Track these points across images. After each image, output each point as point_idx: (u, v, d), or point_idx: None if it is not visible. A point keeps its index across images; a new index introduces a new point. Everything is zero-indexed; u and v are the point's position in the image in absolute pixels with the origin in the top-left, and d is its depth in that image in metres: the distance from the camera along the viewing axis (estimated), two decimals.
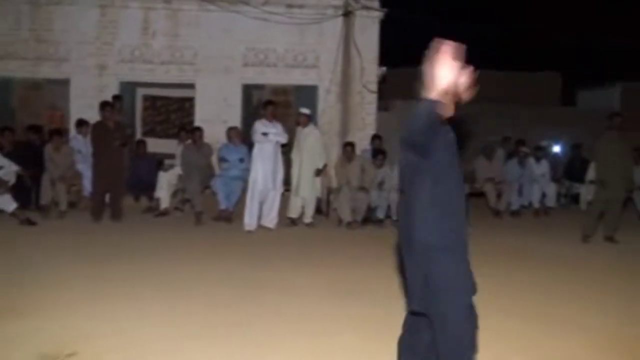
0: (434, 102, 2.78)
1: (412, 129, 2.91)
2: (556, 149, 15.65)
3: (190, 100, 12.54)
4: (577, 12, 22.69)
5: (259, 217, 9.49)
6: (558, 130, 15.36)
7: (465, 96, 2.96)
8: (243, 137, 10.67)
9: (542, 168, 12.40)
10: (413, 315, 3.27)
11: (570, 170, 12.99)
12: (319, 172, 10.08)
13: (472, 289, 3.13)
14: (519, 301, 5.79)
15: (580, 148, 13.11)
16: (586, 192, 11.93)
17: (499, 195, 11.63)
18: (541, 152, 12.75)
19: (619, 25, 17.85)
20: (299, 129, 9.92)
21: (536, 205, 12.08)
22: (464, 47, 2.78)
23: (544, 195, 12.17)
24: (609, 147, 9.00)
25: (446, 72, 2.76)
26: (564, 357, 4.38)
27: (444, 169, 3.03)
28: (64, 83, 11.94)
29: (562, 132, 15.29)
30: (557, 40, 18.47)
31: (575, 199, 12.94)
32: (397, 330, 3.41)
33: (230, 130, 10.51)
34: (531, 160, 12.36)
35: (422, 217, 3.02)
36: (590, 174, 11.07)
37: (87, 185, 10.35)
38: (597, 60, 22.29)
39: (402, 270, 3.04)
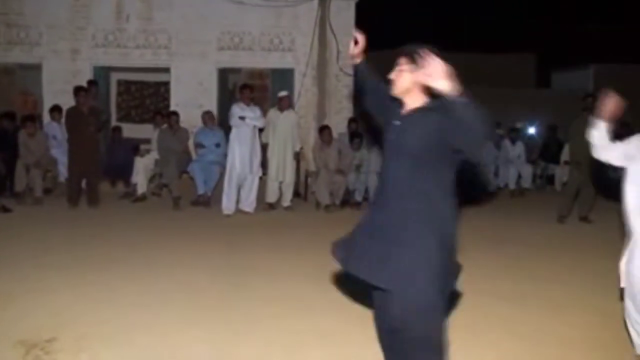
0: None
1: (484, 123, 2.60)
2: (531, 130, 15.82)
3: (166, 84, 12.45)
4: None
5: (237, 202, 9.48)
6: (533, 112, 15.52)
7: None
8: (220, 121, 10.62)
9: (517, 149, 12.54)
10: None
11: (546, 152, 13.14)
12: (297, 156, 10.09)
13: None
14: (497, 280, 5.90)
15: (555, 130, 13.26)
16: (561, 173, 12.10)
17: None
18: (516, 134, 12.89)
19: (592, 7, 18.01)
20: (274, 112, 9.89)
21: (512, 186, 12.23)
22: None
23: (519, 177, 12.32)
24: (582, 128, 9.06)
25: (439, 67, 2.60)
26: (541, 334, 4.48)
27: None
28: (36, 68, 11.77)
29: (537, 114, 15.46)
30: (531, 22, 18.60)
31: (551, 180, 13.10)
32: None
33: (205, 115, 10.47)
34: (506, 142, 12.50)
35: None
36: (565, 155, 11.22)
37: (62, 170, 10.26)
38: (571, 42, 22.47)
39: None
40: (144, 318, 4.57)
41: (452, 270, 2.95)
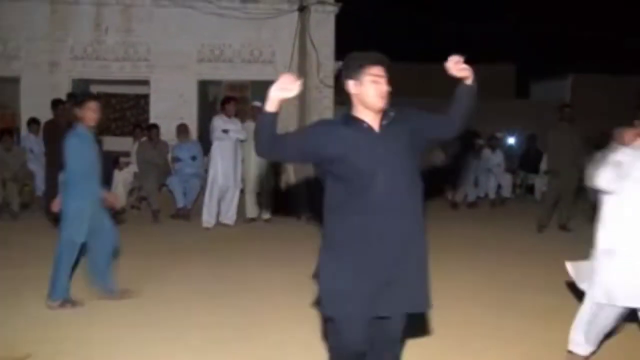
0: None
1: None
2: (511, 140, 15.92)
3: (146, 97, 12.38)
4: (529, 5, 23.11)
5: (218, 214, 9.42)
6: (512, 122, 15.63)
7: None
8: (200, 133, 10.57)
9: (497, 158, 12.59)
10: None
11: (525, 162, 13.22)
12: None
13: None
14: (480, 288, 5.91)
15: (535, 139, 13.35)
16: (540, 183, 12.18)
17: (455, 187, 11.78)
18: (495, 142, 12.95)
19: (570, 17, 18.24)
20: (250, 124, 9.82)
21: (492, 196, 12.28)
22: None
23: (499, 187, 12.37)
24: (560, 137, 9.21)
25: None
26: (525, 340, 4.49)
27: None
28: (14, 81, 11.67)
29: (516, 124, 15.56)
30: (511, 33, 18.79)
31: (530, 189, 13.18)
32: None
33: (180, 128, 10.43)
34: (486, 151, 12.55)
35: None
36: (544, 164, 11.30)
37: (39, 185, 10.14)
38: (548, 52, 22.73)
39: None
40: (121, 334, 4.51)
41: None
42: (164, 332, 4.58)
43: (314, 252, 7.71)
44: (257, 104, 9.88)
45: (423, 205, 2.99)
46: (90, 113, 5.19)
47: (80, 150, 5.14)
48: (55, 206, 5.24)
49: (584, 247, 7.94)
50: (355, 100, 2.96)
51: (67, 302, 5.10)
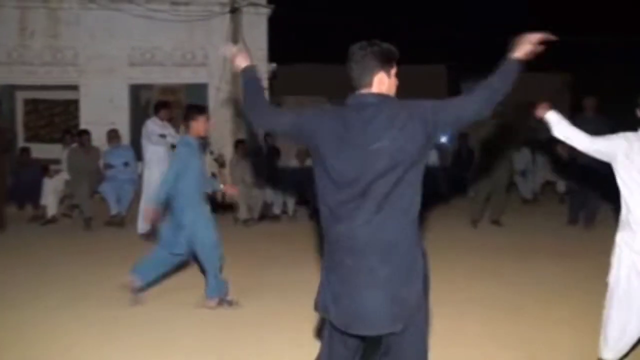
0: None
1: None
2: (442, 139, 16.16)
3: (75, 102, 12.08)
4: (458, 5, 23.64)
5: None
6: None
7: None
8: (132, 138, 10.39)
9: (431, 157, 12.80)
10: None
11: (458, 159, 13.48)
12: (221, 157, 10.07)
13: None
14: None
15: (466, 137, 13.62)
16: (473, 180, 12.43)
17: None
18: None
19: (497, 19, 18.70)
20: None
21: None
22: None
23: (435, 184, 12.57)
24: (490, 135, 9.46)
25: None
26: (466, 330, 4.58)
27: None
28: None
29: None
30: (441, 34, 19.11)
31: (464, 186, 13.43)
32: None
33: (110, 133, 10.24)
34: None
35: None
36: (476, 161, 11.55)
37: None
38: (476, 54, 23.25)
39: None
40: (63, 341, 4.42)
41: None
42: (102, 335, 4.50)
43: (250, 255, 7.71)
44: None
45: None
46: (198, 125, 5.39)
47: (188, 160, 5.24)
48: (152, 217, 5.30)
49: (515, 240, 8.30)
50: (394, 89, 2.81)
51: (224, 301, 5.36)
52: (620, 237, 3.64)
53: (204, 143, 5.58)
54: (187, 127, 5.44)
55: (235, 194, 7.99)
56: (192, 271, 6.20)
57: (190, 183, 5.20)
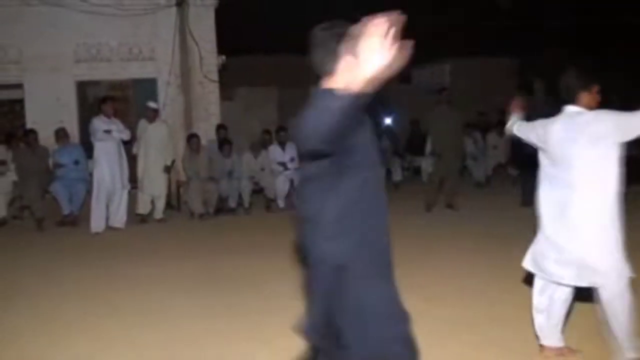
0: (345, 94, 2.09)
1: (319, 130, 2.12)
2: (388, 121, 16.25)
3: (20, 101, 11.76)
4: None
5: (107, 218, 9.15)
6: (396, 107, 16.04)
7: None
8: (82, 136, 10.20)
9: (383, 143, 12.89)
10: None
11: (411, 145, 13.63)
12: (168, 169, 9.88)
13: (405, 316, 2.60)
14: None
15: (417, 123, 13.78)
16: (426, 165, 12.59)
17: None
18: (381, 130, 13.27)
19: (447, 4, 18.86)
20: (143, 124, 9.67)
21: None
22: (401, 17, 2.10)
23: (389, 171, 12.69)
24: (440, 120, 9.64)
25: (377, 58, 2.08)
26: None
27: (363, 171, 2.50)
28: None
29: (400, 108, 15.98)
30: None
31: (417, 171, 13.60)
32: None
33: (58, 132, 10.05)
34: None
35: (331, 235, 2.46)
36: (429, 147, 11.70)
37: None
38: (429, 39, 23.48)
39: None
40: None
41: None
42: (53, 336, 4.44)
43: (207, 249, 7.69)
44: (153, 104, 9.78)
45: None
46: None
47: None
48: None
49: (469, 223, 8.45)
50: None
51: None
52: None
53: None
54: None
55: None
56: None
57: None
